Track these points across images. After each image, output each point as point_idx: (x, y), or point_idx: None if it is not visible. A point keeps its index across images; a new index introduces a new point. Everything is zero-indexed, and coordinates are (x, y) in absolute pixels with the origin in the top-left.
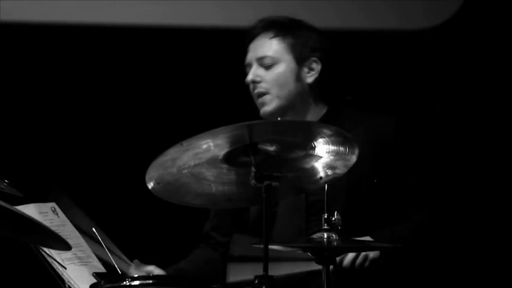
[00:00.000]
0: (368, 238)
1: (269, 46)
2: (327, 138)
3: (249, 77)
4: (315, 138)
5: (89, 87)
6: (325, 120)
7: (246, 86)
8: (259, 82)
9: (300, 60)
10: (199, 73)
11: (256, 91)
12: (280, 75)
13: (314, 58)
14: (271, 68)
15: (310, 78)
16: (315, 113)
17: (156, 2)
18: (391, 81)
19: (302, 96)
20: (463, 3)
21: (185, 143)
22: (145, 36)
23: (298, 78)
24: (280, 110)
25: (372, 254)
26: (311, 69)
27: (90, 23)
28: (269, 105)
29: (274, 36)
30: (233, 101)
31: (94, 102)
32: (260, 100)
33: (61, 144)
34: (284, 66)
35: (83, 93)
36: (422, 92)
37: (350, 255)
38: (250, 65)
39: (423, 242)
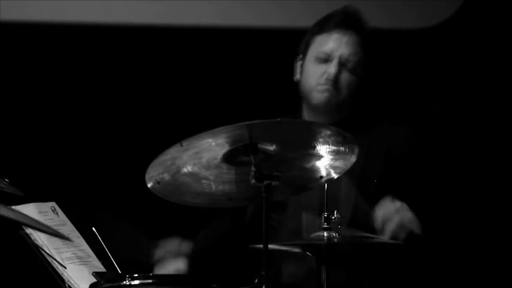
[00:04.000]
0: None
1: (356, 51)
2: (326, 138)
3: (333, 71)
4: (314, 138)
5: (89, 87)
6: (340, 123)
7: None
8: (337, 81)
9: (363, 76)
10: (199, 73)
11: (328, 84)
12: (351, 86)
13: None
14: (349, 74)
15: (359, 90)
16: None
17: (156, 1)
18: (391, 81)
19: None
20: (463, 3)
21: (185, 143)
22: (145, 36)
23: (357, 90)
24: (329, 107)
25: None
26: (364, 84)
27: (90, 23)
28: (332, 98)
29: (361, 45)
30: (233, 100)
31: (94, 102)
32: (327, 87)
33: (61, 144)
34: (356, 81)
35: (83, 93)
36: (422, 92)
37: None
38: (330, 56)
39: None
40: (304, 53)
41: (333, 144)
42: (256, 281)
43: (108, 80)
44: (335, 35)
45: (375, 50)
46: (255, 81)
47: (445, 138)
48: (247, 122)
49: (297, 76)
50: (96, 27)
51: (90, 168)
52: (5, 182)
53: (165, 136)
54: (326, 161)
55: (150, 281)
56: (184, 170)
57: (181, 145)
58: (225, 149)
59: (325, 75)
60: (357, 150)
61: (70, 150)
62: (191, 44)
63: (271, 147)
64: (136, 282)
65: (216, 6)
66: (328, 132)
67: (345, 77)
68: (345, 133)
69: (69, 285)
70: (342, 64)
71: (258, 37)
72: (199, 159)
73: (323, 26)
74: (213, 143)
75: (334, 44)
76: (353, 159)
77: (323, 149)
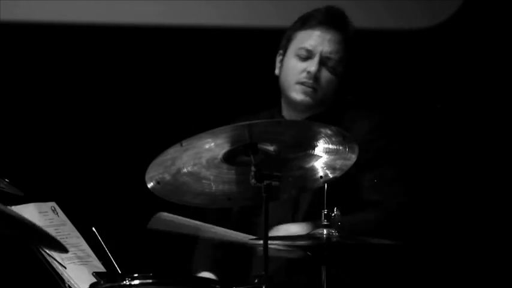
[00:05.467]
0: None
1: (337, 49)
2: (326, 138)
3: (314, 69)
4: (314, 138)
5: (89, 87)
6: (323, 118)
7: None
8: (317, 79)
9: (344, 75)
10: (199, 73)
11: (310, 82)
12: (331, 85)
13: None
14: (330, 73)
15: (339, 87)
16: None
17: (156, 1)
18: (391, 81)
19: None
20: (463, 3)
21: (185, 143)
22: (146, 36)
23: (337, 88)
24: (313, 107)
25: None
26: (344, 82)
27: (90, 23)
28: (311, 99)
29: (343, 43)
30: (233, 100)
31: (94, 102)
32: (306, 89)
33: (61, 144)
34: (336, 79)
35: (83, 93)
36: (422, 92)
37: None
38: (311, 53)
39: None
40: (285, 48)
41: (333, 144)
42: (256, 281)
43: (108, 80)
44: (317, 32)
45: (357, 50)
46: (255, 81)
47: (444, 138)
48: (247, 122)
49: (277, 71)
50: (96, 27)
51: (90, 168)
52: (5, 182)
53: (165, 136)
54: (326, 161)
55: (150, 281)
56: (184, 170)
57: (181, 145)
58: (225, 149)
59: (305, 73)
60: (356, 150)
61: (70, 150)
62: (191, 44)
63: (271, 147)
64: (136, 282)
65: (216, 6)
66: (328, 132)
67: (325, 75)
68: (345, 133)
69: (69, 285)
70: (322, 62)
71: (258, 37)
72: (199, 159)
73: (305, 22)
74: (213, 143)
75: (316, 41)
76: (353, 158)
77: (323, 149)
